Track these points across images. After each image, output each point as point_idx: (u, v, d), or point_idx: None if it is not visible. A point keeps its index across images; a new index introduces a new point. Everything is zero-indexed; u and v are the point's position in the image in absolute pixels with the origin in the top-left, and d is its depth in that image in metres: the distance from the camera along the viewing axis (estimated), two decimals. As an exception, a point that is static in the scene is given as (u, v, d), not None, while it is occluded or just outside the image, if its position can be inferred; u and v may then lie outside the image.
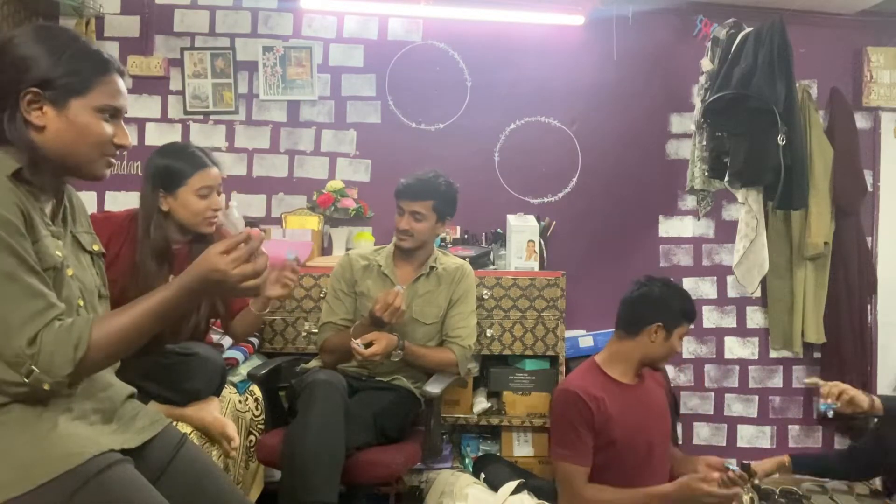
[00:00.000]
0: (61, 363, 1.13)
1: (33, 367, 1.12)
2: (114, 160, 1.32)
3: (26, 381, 1.12)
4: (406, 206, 2.39)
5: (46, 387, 1.13)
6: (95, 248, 1.40)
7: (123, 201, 3.22)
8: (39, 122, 1.22)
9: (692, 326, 2.03)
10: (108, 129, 1.27)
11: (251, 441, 2.38)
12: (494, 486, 2.66)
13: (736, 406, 3.48)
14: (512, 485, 2.61)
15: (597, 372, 2.10)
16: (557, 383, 2.93)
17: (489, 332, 2.91)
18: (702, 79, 3.05)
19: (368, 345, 2.19)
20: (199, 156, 2.08)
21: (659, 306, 2.06)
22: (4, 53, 1.21)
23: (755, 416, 3.48)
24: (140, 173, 2.85)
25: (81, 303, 1.28)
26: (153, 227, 2.02)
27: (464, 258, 2.67)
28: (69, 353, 1.13)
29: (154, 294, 1.22)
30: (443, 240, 3.12)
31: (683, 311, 2.10)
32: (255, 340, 2.74)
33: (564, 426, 2.03)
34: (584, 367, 2.16)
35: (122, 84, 1.30)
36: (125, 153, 2.96)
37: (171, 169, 2.03)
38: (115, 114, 1.29)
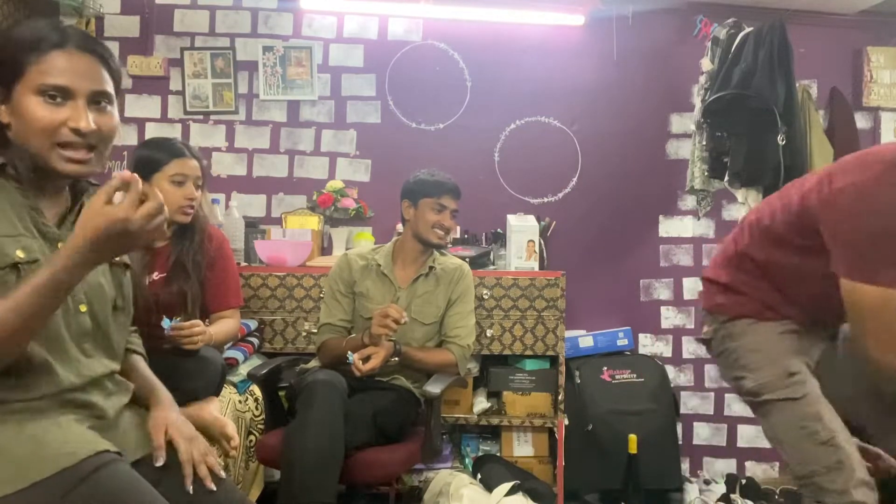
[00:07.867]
0: None
1: None
2: (72, 152, 1.17)
3: None
4: (449, 203, 2.45)
5: None
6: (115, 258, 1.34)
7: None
8: (5, 119, 1.19)
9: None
10: (47, 111, 1.15)
11: (251, 441, 2.38)
12: (490, 486, 2.66)
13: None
14: (506, 486, 2.61)
15: None
16: (558, 383, 2.94)
17: (489, 332, 2.91)
18: (702, 79, 3.05)
19: (367, 359, 2.20)
20: (178, 146, 2.12)
21: None
22: None
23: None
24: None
25: (84, 308, 1.26)
26: None
27: (464, 258, 2.67)
28: None
29: (40, 270, 1.08)
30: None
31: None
32: (255, 340, 2.74)
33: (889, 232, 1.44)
34: None
35: (71, 59, 1.16)
36: (123, 154, 2.98)
37: (149, 157, 2.09)
38: (64, 94, 1.16)
